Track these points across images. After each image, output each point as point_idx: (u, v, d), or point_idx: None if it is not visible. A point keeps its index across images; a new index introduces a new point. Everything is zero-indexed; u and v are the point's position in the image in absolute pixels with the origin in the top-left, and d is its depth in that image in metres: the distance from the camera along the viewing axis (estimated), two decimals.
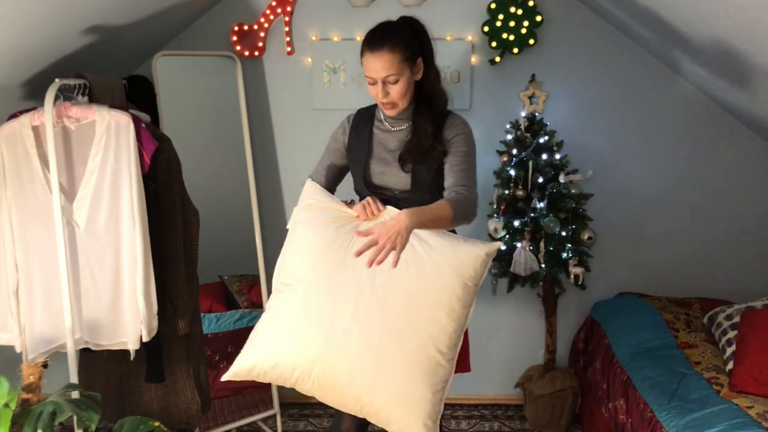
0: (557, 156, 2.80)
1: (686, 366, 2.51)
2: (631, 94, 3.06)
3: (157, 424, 1.64)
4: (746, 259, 3.17)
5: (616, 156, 3.12)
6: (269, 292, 3.06)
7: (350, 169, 2.04)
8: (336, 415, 1.98)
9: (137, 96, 2.69)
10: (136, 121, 2.21)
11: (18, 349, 2.24)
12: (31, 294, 2.24)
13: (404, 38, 1.83)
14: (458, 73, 3.03)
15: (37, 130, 2.19)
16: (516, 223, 2.76)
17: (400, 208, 1.87)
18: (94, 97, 2.27)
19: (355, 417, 1.89)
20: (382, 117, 1.99)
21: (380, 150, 1.96)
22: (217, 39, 3.05)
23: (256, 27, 3.01)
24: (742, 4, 1.87)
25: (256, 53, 3.04)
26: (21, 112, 2.22)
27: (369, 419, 1.74)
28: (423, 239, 1.75)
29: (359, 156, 1.98)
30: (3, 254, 2.22)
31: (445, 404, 2.48)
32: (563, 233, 2.74)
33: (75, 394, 1.76)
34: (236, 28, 3.00)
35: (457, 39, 3.01)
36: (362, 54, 1.84)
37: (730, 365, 2.40)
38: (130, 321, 2.22)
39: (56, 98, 2.14)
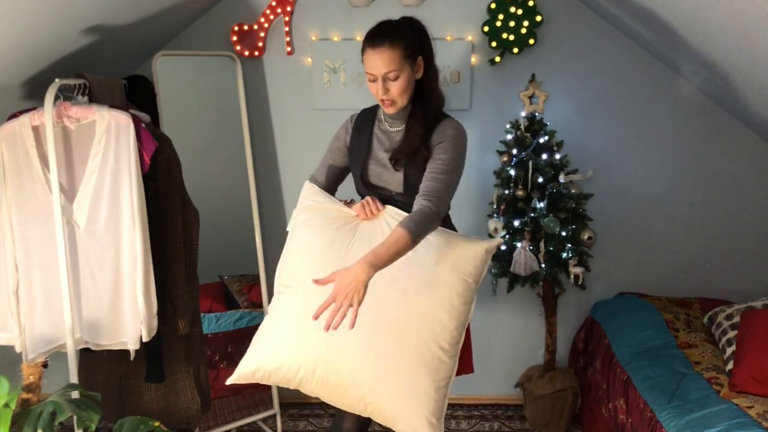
0: (557, 156, 2.80)
1: (686, 366, 2.51)
2: (631, 94, 3.06)
3: (157, 424, 1.64)
4: (746, 259, 3.17)
5: (616, 156, 3.12)
6: (269, 292, 3.07)
7: (351, 168, 2.04)
8: (337, 414, 1.98)
9: (137, 96, 2.69)
10: (136, 121, 2.21)
11: (18, 349, 2.24)
12: (31, 294, 2.24)
13: (405, 35, 1.83)
14: (458, 73, 3.03)
15: (37, 130, 2.19)
16: (516, 223, 2.76)
17: (398, 207, 1.87)
18: (94, 97, 2.27)
19: (356, 416, 1.89)
20: (382, 117, 1.99)
21: (378, 151, 1.96)
22: (217, 39, 3.04)
23: (256, 27, 3.01)
24: (743, 3, 1.87)
25: (256, 53, 3.04)
26: (21, 112, 2.22)
27: (374, 418, 1.74)
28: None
29: (359, 156, 1.98)
30: (3, 254, 2.22)
31: None
32: (563, 233, 2.74)
33: (75, 394, 1.76)
34: (236, 28, 3.00)
35: (457, 39, 3.01)
36: (363, 51, 1.84)
37: (730, 365, 2.40)
38: (130, 321, 2.22)
39: (56, 98, 2.14)
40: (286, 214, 3.22)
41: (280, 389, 3.07)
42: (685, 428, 2.09)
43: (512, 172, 2.78)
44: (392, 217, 1.83)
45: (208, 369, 2.72)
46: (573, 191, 2.82)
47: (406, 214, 1.80)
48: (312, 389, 1.74)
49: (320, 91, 3.07)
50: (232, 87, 3.00)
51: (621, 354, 2.72)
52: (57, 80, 2.14)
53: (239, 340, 3.04)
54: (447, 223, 2.00)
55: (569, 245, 2.77)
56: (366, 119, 2.03)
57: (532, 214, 2.74)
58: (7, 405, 1.60)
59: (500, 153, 2.92)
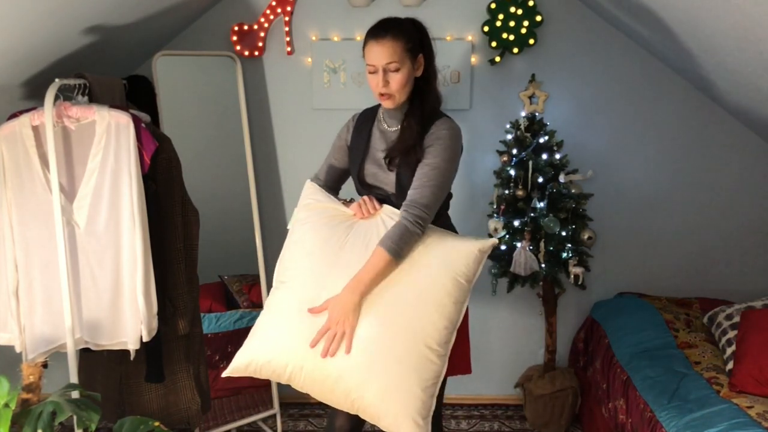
0: (557, 156, 2.80)
1: (686, 366, 2.51)
2: (631, 94, 3.06)
3: (157, 424, 1.64)
4: (746, 259, 3.17)
5: (616, 156, 3.12)
6: (269, 291, 3.07)
7: (349, 167, 2.05)
8: (330, 412, 1.98)
9: (137, 96, 2.69)
10: (136, 121, 2.21)
11: (18, 349, 2.24)
12: (31, 294, 2.24)
13: (408, 31, 1.86)
14: (458, 73, 3.03)
15: (37, 130, 2.19)
16: (516, 223, 2.76)
17: (395, 207, 1.88)
18: (94, 97, 2.27)
19: (349, 414, 1.90)
20: (381, 117, 1.99)
21: (376, 150, 1.96)
22: (217, 39, 3.05)
23: (256, 27, 3.01)
24: (744, 3, 1.87)
25: (256, 53, 3.04)
26: (21, 112, 2.22)
27: (360, 414, 1.75)
28: None
29: (356, 155, 1.99)
30: (3, 254, 2.22)
31: (445, 404, 2.48)
32: (563, 233, 2.74)
33: (75, 394, 1.76)
34: (236, 28, 3.00)
35: (457, 39, 3.01)
36: (365, 44, 1.86)
37: (730, 365, 2.40)
38: (130, 321, 2.22)
39: (56, 98, 2.14)
40: (286, 214, 3.22)
41: (280, 389, 3.07)
42: (685, 428, 2.09)
43: (512, 172, 2.78)
44: (389, 216, 1.83)
45: (208, 369, 2.72)
46: (573, 191, 2.82)
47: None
48: (301, 385, 1.75)
49: (320, 91, 3.07)
50: (232, 87, 3.00)
51: (621, 354, 2.72)
52: (57, 80, 2.14)
53: (239, 340, 3.01)
54: (446, 224, 2.00)
55: (569, 245, 2.77)
56: (367, 119, 2.04)
57: (532, 214, 2.74)
58: (7, 405, 1.59)
59: (500, 153, 2.92)
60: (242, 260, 3.16)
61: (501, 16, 2.91)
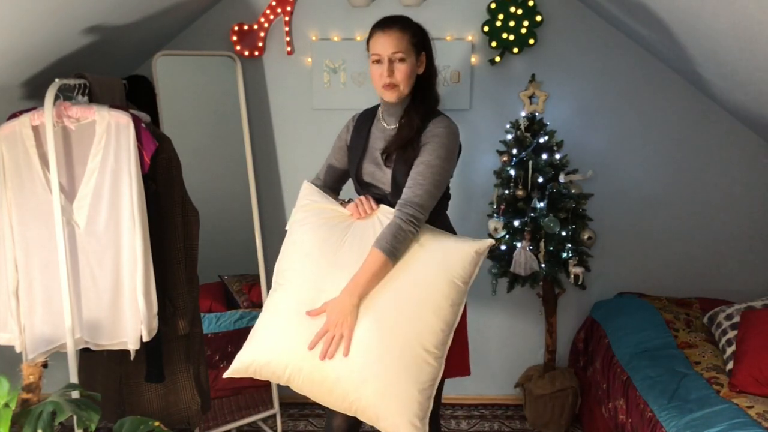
0: (557, 156, 2.80)
1: (686, 366, 2.51)
2: (631, 94, 3.06)
3: (157, 424, 1.64)
4: (746, 259, 3.17)
5: (616, 156, 3.12)
6: (269, 291, 3.07)
7: (348, 166, 2.05)
8: (328, 411, 1.99)
9: (137, 96, 2.69)
10: (136, 121, 2.21)
11: (18, 349, 2.24)
12: (31, 294, 2.24)
13: (413, 26, 1.89)
14: (458, 73, 3.03)
15: (37, 130, 2.19)
16: (516, 223, 2.76)
17: (392, 207, 1.88)
18: (94, 97, 2.27)
19: (347, 414, 1.90)
20: (380, 115, 2.00)
21: (374, 149, 1.97)
22: (217, 39, 3.05)
23: (256, 27, 3.01)
24: (743, 2, 1.87)
25: (256, 53, 3.04)
26: (21, 112, 2.22)
27: (358, 416, 1.75)
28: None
29: (355, 153, 1.99)
30: (3, 254, 2.22)
31: (445, 404, 2.48)
32: (563, 233, 2.74)
33: (75, 394, 1.76)
34: (236, 28, 3.00)
35: (457, 39, 3.01)
36: (371, 36, 1.88)
37: (730, 365, 2.40)
38: (130, 321, 2.22)
39: (56, 98, 2.14)
40: (286, 214, 3.22)
41: (280, 389, 3.07)
42: (685, 428, 2.09)
43: (512, 172, 2.78)
44: (386, 216, 1.82)
45: (208, 369, 2.72)
46: (573, 191, 2.82)
47: None
48: (300, 386, 1.76)
49: (320, 91, 3.07)
50: (232, 87, 3.00)
51: (621, 354, 2.72)
52: (57, 80, 2.14)
53: (239, 340, 3.01)
54: (445, 225, 2.00)
55: (569, 245, 2.77)
56: (366, 118, 2.04)
57: (532, 214, 2.74)
58: (7, 405, 1.59)
59: (500, 153, 2.92)
60: (242, 260, 3.16)
61: (501, 16, 2.91)
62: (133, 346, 2.23)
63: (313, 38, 3.04)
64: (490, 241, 1.81)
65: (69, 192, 2.22)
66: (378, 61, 1.85)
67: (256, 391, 3.12)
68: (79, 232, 2.21)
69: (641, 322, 2.84)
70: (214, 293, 3.19)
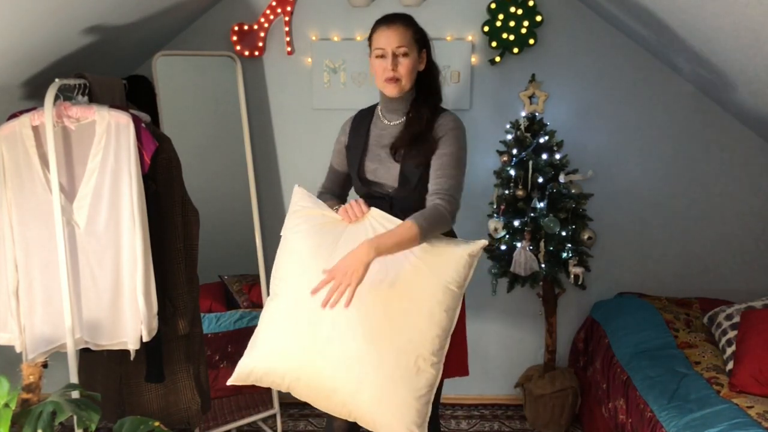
0: (557, 156, 2.80)
1: (686, 366, 2.51)
2: (631, 94, 3.06)
3: (157, 424, 1.64)
4: (746, 259, 3.17)
5: (616, 156, 3.12)
6: (269, 292, 3.06)
7: (348, 166, 2.04)
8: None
9: (137, 96, 2.69)
10: (136, 121, 2.21)
11: (18, 349, 2.24)
12: (31, 294, 2.24)
13: (415, 24, 1.92)
14: (458, 73, 3.03)
15: (37, 130, 2.19)
16: (516, 223, 2.76)
17: (392, 207, 1.87)
18: (94, 97, 2.27)
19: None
20: (380, 113, 2.00)
21: (376, 146, 1.97)
22: (217, 39, 3.05)
23: (256, 27, 3.01)
24: (743, 2, 1.87)
25: (256, 53, 3.04)
26: (21, 112, 2.22)
27: (358, 423, 1.75)
28: None
29: (355, 152, 1.99)
30: (3, 254, 2.22)
31: (445, 404, 2.48)
32: (563, 233, 2.74)
33: (75, 394, 1.76)
34: (236, 28, 3.00)
35: (457, 39, 3.01)
36: (374, 31, 1.89)
37: (730, 365, 2.40)
38: (130, 321, 2.22)
39: (56, 98, 2.14)
40: (286, 214, 3.22)
41: None
42: (685, 428, 2.09)
43: (512, 172, 2.78)
44: (377, 220, 1.79)
45: (208, 369, 2.72)
46: (573, 191, 2.82)
47: (391, 217, 1.78)
48: (300, 394, 1.77)
49: (320, 91, 3.07)
50: (232, 87, 3.00)
51: (621, 354, 2.72)
52: (57, 80, 2.14)
53: (239, 340, 3.04)
54: None
55: (569, 245, 2.77)
56: (363, 118, 2.04)
57: (532, 214, 2.74)
58: (7, 405, 1.59)
59: (500, 153, 2.92)
60: (242, 260, 3.15)
61: (501, 16, 2.91)
62: (133, 346, 2.23)
63: (313, 38, 3.04)
64: (483, 242, 1.77)
65: (69, 192, 2.22)
66: (381, 56, 1.87)
67: (256, 391, 3.12)
68: (79, 232, 2.21)
69: (641, 322, 2.83)
70: (214, 293, 3.19)
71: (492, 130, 3.06)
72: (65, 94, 2.22)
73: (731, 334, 2.51)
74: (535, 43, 2.95)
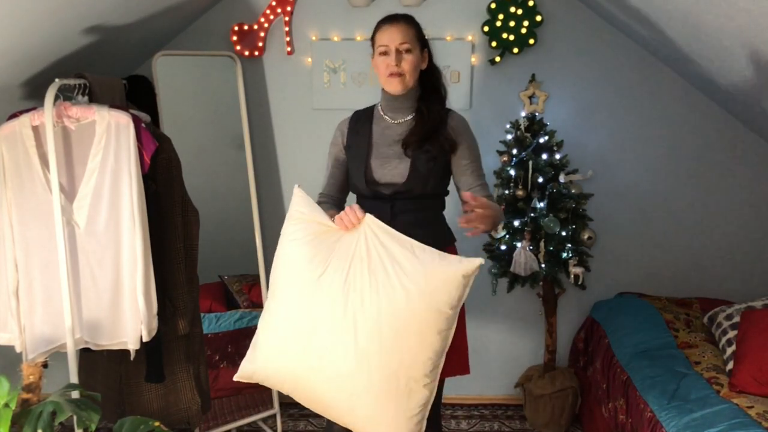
0: (557, 156, 2.80)
1: (686, 366, 2.51)
2: (631, 94, 3.06)
3: (157, 424, 1.64)
4: (746, 259, 3.17)
5: (616, 156, 3.12)
6: (269, 291, 3.06)
7: (349, 167, 2.02)
8: None
9: (137, 96, 2.69)
10: (136, 121, 2.21)
11: (18, 349, 2.24)
12: (31, 294, 2.24)
13: (417, 24, 1.95)
14: (458, 73, 3.03)
15: (37, 130, 2.19)
16: (516, 223, 2.76)
17: (393, 207, 1.87)
18: (94, 97, 2.26)
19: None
20: (382, 113, 2.00)
21: (380, 145, 1.96)
22: (217, 39, 3.05)
23: (256, 27, 3.01)
24: (743, 3, 1.87)
25: (256, 53, 3.04)
26: (21, 112, 2.22)
27: None
28: (397, 260, 1.67)
29: (359, 152, 1.98)
30: (3, 254, 2.22)
31: (445, 404, 2.47)
32: (563, 233, 2.74)
33: (75, 394, 1.76)
34: (236, 28, 3.00)
35: (457, 39, 3.01)
36: (377, 30, 1.92)
37: (730, 365, 2.40)
38: (130, 321, 2.22)
39: (56, 98, 2.14)
40: (286, 214, 3.22)
41: None
42: (685, 428, 2.09)
43: (512, 172, 2.78)
44: (371, 228, 1.73)
45: (208, 369, 2.72)
46: (573, 191, 2.82)
47: (385, 226, 1.72)
48: (300, 400, 1.78)
49: (320, 91, 3.07)
50: (232, 87, 3.00)
51: (621, 354, 2.72)
52: (57, 80, 2.14)
53: (239, 340, 3.04)
54: (441, 225, 2.01)
55: (569, 245, 2.77)
56: (362, 119, 2.03)
57: (532, 214, 2.74)
58: (7, 405, 1.59)
59: (500, 153, 2.92)
60: (242, 260, 3.16)
61: (501, 16, 2.91)
62: (133, 346, 2.23)
63: (313, 38, 3.04)
64: (479, 261, 1.67)
65: (69, 192, 2.22)
66: (384, 53, 1.89)
67: (256, 391, 3.12)
68: (79, 232, 2.21)
69: (641, 322, 2.84)
70: (214, 293, 3.19)
71: (492, 130, 3.06)
72: (65, 94, 2.22)
73: (731, 334, 2.51)
74: (535, 43, 2.95)
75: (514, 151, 2.81)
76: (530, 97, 2.99)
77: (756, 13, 1.87)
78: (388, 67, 1.88)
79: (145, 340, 2.21)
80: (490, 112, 3.09)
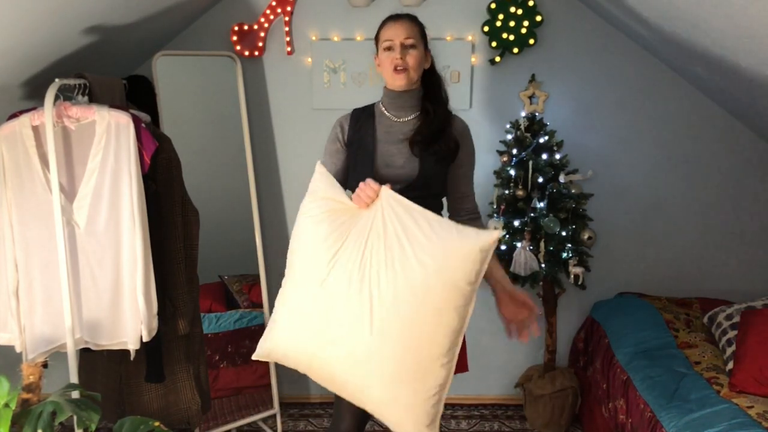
0: (557, 156, 2.80)
1: (686, 366, 2.51)
2: (631, 94, 3.06)
3: (157, 424, 1.64)
4: (746, 259, 3.17)
5: (616, 156, 3.12)
6: (269, 292, 3.07)
7: (352, 165, 1.99)
8: (335, 414, 1.98)
9: (137, 96, 2.69)
10: (136, 121, 2.21)
11: (18, 349, 2.24)
12: (31, 294, 2.24)
13: (420, 23, 1.96)
14: (458, 73, 3.03)
15: (37, 130, 2.19)
16: (516, 223, 2.76)
17: (413, 192, 1.85)
18: (94, 97, 2.27)
19: (354, 417, 1.91)
20: (384, 111, 1.99)
21: (385, 143, 1.95)
22: (217, 39, 3.05)
23: (256, 27, 3.01)
24: (743, 2, 1.86)
25: (256, 53, 3.04)
26: (21, 112, 2.22)
27: (374, 415, 1.75)
28: (413, 234, 1.65)
29: (363, 150, 1.96)
30: (3, 254, 2.22)
31: (446, 404, 2.46)
32: (563, 233, 2.74)
33: (75, 394, 1.76)
34: (236, 28, 3.00)
35: (457, 39, 3.01)
36: (382, 27, 1.94)
37: (730, 365, 2.40)
38: (130, 321, 2.22)
39: (56, 98, 2.14)
40: (286, 214, 3.23)
41: (279, 389, 3.07)
42: (685, 428, 2.09)
43: (512, 172, 2.78)
44: (388, 203, 1.71)
45: (208, 369, 2.72)
46: (573, 191, 2.82)
47: (401, 198, 1.71)
48: (317, 378, 1.76)
49: (320, 91, 3.07)
50: (232, 87, 3.00)
51: (621, 354, 2.72)
52: (57, 80, 2.14)
53: (239, 340, 3.04)
54: None
55: (569, 245, 2.77)
56: (362, 117, 2.01)
57: (532, 214, 2.74)
58: (7, 405, 1.59)
59: (500, 153, 2.92)
60: (242, 260, 3.16)
61: (501, 16, 2.91)
62: (133, 346, 2.23)
63: (313, 38, 3.04)
64: (496, 234, 1.65)
65: (69, 192, 2.22)
66: (389, 48, 1.90)
67: (256, 391, 3.12)
68: (79, 232, 2.21)
69: (641, 322, 2.84)
70: (214, 293, 3.19)
71: (492, 130, 3.06)
72: (65, 94, 2.22)
73: (731, 334, 2.51)
74: (535, 43, 2.95)
75: (514, 151, 2.81)
76: (530, 97, 2.99)
77: (754, 9, 1.86)
78: (393, 61, 1.88)
79: (145, 340, 2.21)
80: (490, 112, 3.09)
